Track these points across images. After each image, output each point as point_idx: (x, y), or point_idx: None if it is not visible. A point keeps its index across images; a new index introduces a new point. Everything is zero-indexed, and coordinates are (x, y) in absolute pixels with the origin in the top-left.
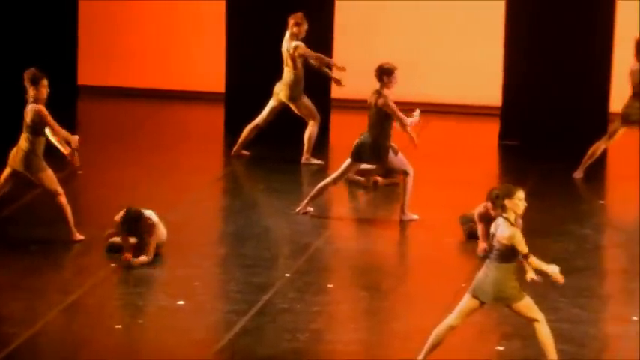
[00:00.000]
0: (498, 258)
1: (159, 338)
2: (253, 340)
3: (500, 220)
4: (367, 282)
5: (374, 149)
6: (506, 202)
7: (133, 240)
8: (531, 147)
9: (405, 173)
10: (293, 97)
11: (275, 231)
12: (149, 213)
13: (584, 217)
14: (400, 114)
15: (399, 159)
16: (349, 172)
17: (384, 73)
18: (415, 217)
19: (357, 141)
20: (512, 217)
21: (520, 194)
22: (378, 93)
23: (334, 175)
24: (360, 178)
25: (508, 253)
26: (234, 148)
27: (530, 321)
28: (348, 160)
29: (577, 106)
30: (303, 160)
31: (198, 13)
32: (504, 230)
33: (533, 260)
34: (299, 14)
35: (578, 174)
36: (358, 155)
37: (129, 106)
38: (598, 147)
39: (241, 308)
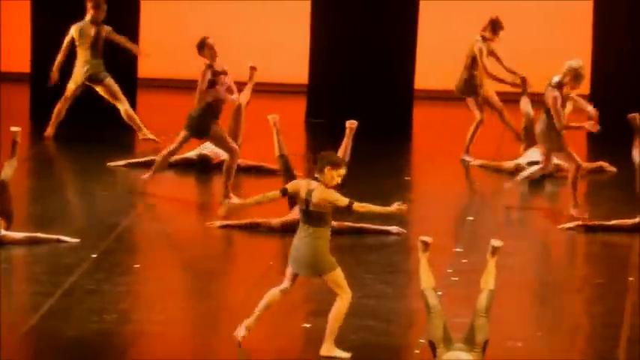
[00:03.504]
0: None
1: None
2: (60, 322)
3: (314, 184)
4: (174, 262)
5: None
6: (327, 170)
7: None
8: (337, 125)
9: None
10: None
11: (82, 211)
12: None
13: (389, 194)
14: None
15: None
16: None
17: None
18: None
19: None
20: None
21: (342, 171)
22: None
23: (171, 146)
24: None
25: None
26: (48, 129)
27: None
28: (184, 132)
29: (383, 84)
30: (141, 136)
31: None
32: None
33: (360, 206)
34: None
35: None
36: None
37: None
38: None
39: (47, 290)
